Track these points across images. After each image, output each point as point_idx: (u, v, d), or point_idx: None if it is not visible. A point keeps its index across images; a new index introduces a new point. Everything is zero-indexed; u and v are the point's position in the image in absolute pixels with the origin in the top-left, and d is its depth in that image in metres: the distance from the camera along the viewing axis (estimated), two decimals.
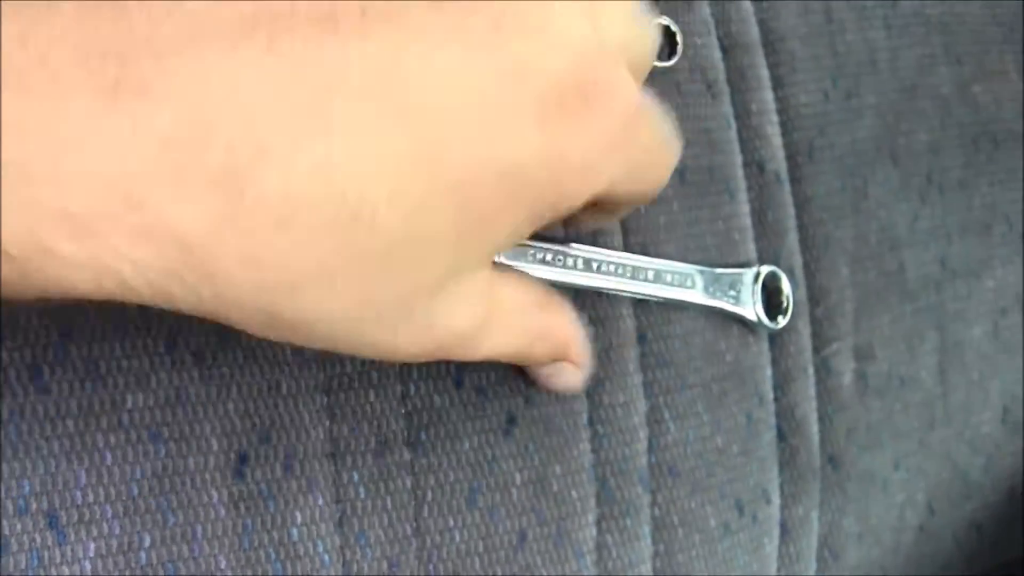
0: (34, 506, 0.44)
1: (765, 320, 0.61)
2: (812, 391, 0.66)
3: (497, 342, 0.44)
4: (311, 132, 0.32)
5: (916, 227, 0.71)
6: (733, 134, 0.64)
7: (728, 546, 0.62)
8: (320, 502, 0.50)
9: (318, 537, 0.49)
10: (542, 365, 0.52)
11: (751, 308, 0.60)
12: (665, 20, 0.59)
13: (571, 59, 0.37)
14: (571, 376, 0.53)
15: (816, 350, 0.66)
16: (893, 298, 0.69)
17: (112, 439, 0.45)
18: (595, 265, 0.55)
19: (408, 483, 0.52)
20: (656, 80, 0.59)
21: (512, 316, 0.45)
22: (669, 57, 0.60)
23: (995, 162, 0.75)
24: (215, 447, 0.47)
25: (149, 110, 0.30)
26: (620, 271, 0.56)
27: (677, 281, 0.58)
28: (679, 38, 0.60)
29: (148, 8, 0.31)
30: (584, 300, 0.57)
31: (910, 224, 0.70)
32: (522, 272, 0.51)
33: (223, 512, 0.47)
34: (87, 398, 0.45)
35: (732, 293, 0.59)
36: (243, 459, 0.48)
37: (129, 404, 0.46)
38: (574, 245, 0.54)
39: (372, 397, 0.51)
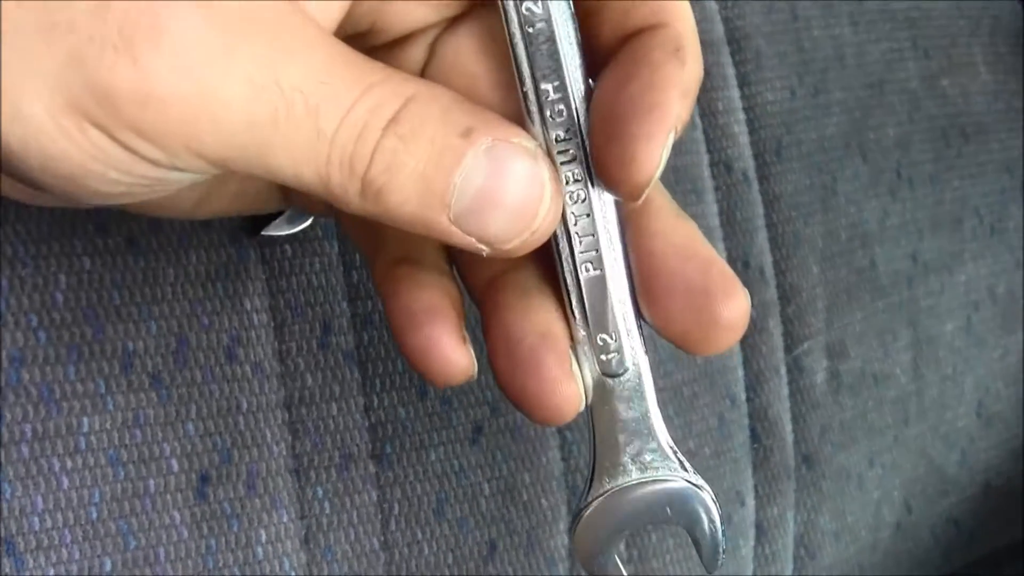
0: None
1: None
2: (785, 391, 0.65)
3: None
4: None
5: (886, 223, 0.70)
6: (699, 134, 0.63)
7: None
8: (285, 519, 0.49)
9: (284, 555, 0.49)
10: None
11: None
12: None
13: None
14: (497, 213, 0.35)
15: (788, 349, 0.66)
16: (865, 295, 0.69)
17: (69, 463, 0.45)
18: None
19: (374, 496, 0.51)
20: None
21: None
22: None
23: (964, 156, 0.75)
24: (175, 468, 0.47)
25: None
26: None
27: None
28: None
29: None
30: None
31: (880, 220, 0.70)
32: None
33: (186, 533, 0.47)
34: (42, 423, 0.44)
35: None
36: (204, 479, 0.47)
37: (85, 428, 0.45)
38: None
39: (334, 411, 0.51)
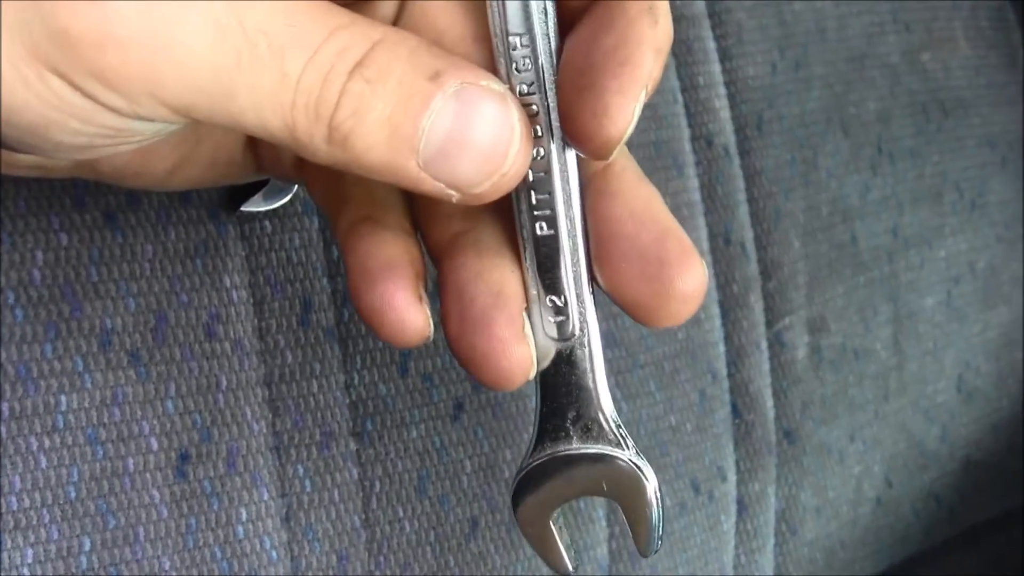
0: None
1: None
2: (766, 366, 0.65)
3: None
4: None
5: (867, 197, 0.70)
6: (680, 108, 0.63)
7: (685, 525, 0.62)
8: (265, 497, 0.49)
9: (264, 533, 0.49)
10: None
11: None
12: None
13: None
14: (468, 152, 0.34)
15: (769, 324, 0.66)
16: (846, 270, 0.69)
17: (47, 442, 0.44)
18: None
19: (355, 474, 0.51)
20: None
21: None
22: None
23: (944, 131, 0.75)
24: (155, 446, 0.46)
25: None
26: None
27: None
28: None
29: None
30: None
31: (861, 195, 0.70)
32: None
33: (165, 512, 0.46)
34: (19, 402, 0.44)
35: None
36: (184, 457, 0.47)
37: (63, 406, 0.44)
38: None
39: (315, 388, 0.50)
